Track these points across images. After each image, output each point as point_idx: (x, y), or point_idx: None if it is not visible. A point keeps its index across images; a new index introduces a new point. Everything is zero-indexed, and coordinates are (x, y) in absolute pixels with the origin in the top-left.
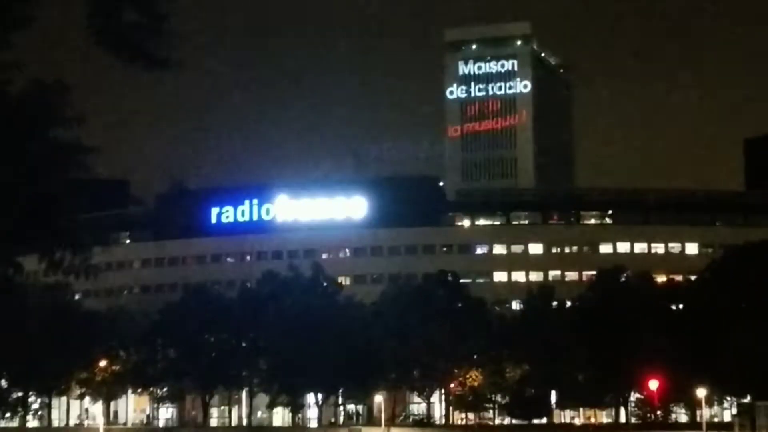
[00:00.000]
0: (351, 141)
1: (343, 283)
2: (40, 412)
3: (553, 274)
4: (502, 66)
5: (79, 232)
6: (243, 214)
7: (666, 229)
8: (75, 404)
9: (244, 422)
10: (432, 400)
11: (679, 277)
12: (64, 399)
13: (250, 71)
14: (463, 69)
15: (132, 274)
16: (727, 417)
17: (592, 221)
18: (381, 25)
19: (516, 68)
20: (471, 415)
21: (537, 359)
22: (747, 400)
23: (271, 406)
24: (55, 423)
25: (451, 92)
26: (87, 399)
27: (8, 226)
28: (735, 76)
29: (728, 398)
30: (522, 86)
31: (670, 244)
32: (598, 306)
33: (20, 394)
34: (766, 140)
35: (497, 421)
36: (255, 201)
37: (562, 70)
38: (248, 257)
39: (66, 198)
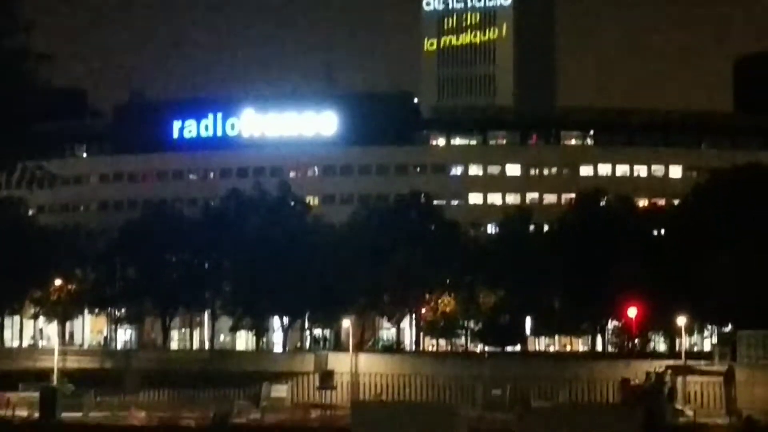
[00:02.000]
0: (322, 54)
1: (312, 203)
2: None
3: (531, 196)
4: None
5: (34, 142)
6: (207, 129)
7: (649, 152)
8: (29, 324)
9: (206, 345)
10: (402, 325)
11: (661, 202)
12: (17, 318)
13: None
14: None
15: (89, 190)
16: (707, 346)
17: (573, 142)
18: None
19: None
20: (442, 342)
21: (512, 285)
22: (728, 329)
23: (234, 330)
24: (8, 344)
25: (428, 3)
26: (41, 319)
27: None
28: None
29: (708, 327)
30: None
31: (653, 167)
32: (576, 230)
33: None
34: (756, 60)
35: (469, 348)
36: (219, 115)
37: None
38: (212, 174)
39: (18, 107)
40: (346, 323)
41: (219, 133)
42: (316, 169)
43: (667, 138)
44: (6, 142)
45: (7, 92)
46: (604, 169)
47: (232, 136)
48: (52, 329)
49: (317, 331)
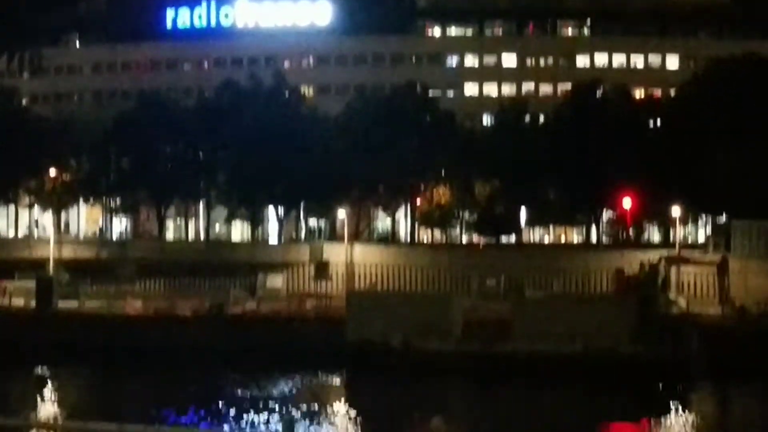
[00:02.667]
0: None
1: (306, 93)
2: None
3: (527, 87)
4: None
5: (28, 30)
6: (200, 18)
7: (646, 41)
8: (24, 214)
9: (202, 236)
10: (397, 216)
11: (658, 92)
12: (12, 208)
13: None
14: None
15: (83, 80)
16: (701, 237)
17: (570, 32)
18: None
19: None
20: (438, 233)
21: (508, 176)
22: (723, 219)
23: (229, 220)
24: (4, 233)
25: None
26: (37, 209)
27: None
28: None
29: (703, 217)
30: None
31: (650, 57)
32: (572, 121)
33: None
34: None
35: (464, 239)
36: (213, 3)
37: None
38: (206, 64)
39: None
40: (342, 214)
41: (213, 23)
42: (311, 59)
43: (665, 27)
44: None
45: None
46: (601, 59)
47: (226, 26)
48: (47, 219)
49: (312, 222)
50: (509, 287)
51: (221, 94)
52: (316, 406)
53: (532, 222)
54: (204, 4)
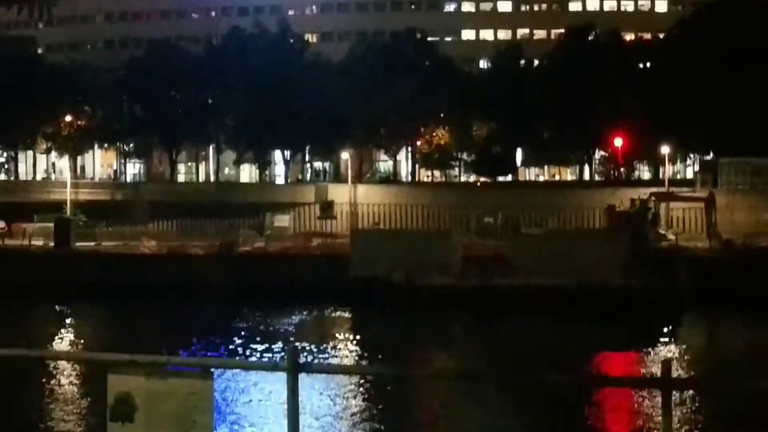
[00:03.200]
0: None
1: (310, 40)
2: (6, 166)
3: (522, 32)
4: None
5: None
6: None
7: None
8: (42, 159)
9: (212, 178)
10: (398, 158)
11: (648, 35)
12: (30, 153)
13: None
14: None
15: (95, 28)
16: (689, 174)
17: None
18: None
19: None
20: (437, 173)
21: (504, 118)
22: (710, 157)
23: (237, 163)
24: (23, 177)
25: None
26: (54, 154)
27: None
28: None
29: (691, 156)
30: None
31: (640, 2)
32: (565, 65)
33: None
34: None
35: (462, 179)
36: None
37: None
38: (213, 13)
39: None
40: (345, 156)
41: None
42: (313, 7)
43: None
44: None
45: None
46: (592, 3)
47: None
48: (64, 163)
49: (317, 164)
50: (506, 224)
51: (228, 42)
52: (321, 339)
53: (527, 162)
54: None
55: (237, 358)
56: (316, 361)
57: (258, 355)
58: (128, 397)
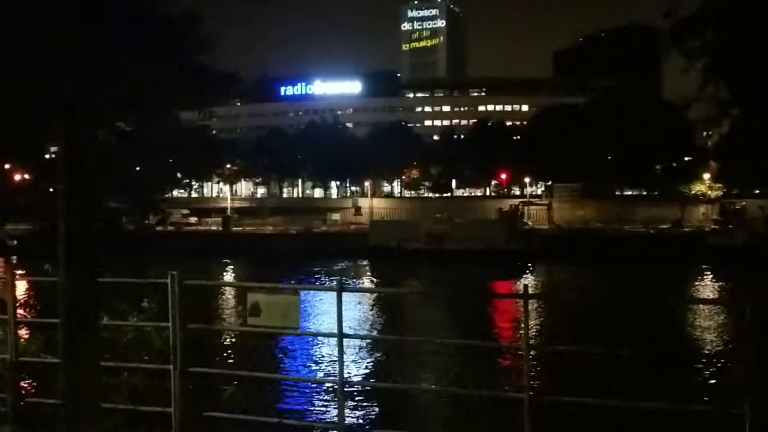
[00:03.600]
0: (345, 46)
1: (348, 125)
2: (196, 188)
3: (455, 121)
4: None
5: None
6: (297, 89)
7: (511, 99)
8: (216, 186)
9: (300, 195)
10: (394, 184)
11: (518, 123)
12: (209, 184)
13: None
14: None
15: (242, 120)
16: (539, 191)
17: (474, 93)
18: None
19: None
20: (413, 192)
21: (446, 164)
22: (549, 183)
23: (313, 187)
24: (207, 194)
25: (403, 25)
26: (221, 183)
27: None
28: None
29: (540, 182)
30: None
31: (515, 105)
32: (476, 139)
33: (187, 180)
34: None
35: (426, 195)
36: (303, 83)
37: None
38: (300, 112)
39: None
40: (366, 183)
41: (303, 92)
42: (350, 109)
43: (518, 88)
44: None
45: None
46: (490, 106)
47: (310, 93)
48: (226, 188)
49: (353, 187)
50: (447, 217)
51: (308, 127)
52: (355, 275)
53: (458, 186)
54: (299, 84)
55: (310, 283)
56: (352, 285)
57: (321, 281)
58: (257, 304)
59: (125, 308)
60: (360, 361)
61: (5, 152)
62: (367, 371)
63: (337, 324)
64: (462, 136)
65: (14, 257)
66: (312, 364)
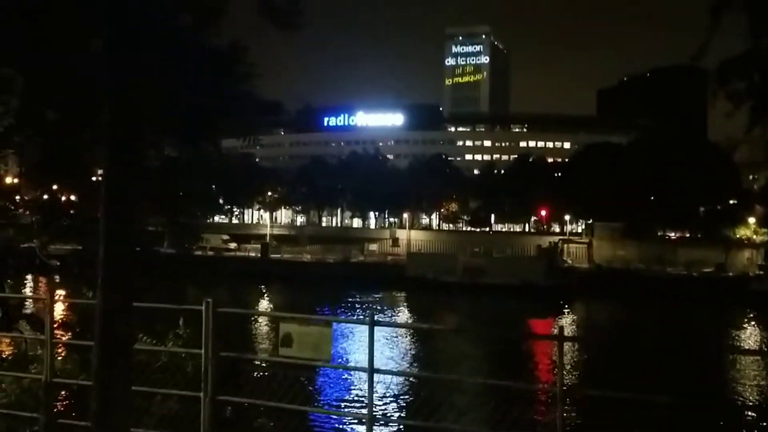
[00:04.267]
0: (390, 80)
1: (390, 157)
2: (237, 214)
3: (495, 156)
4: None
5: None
6: (340, 120)
7: (551, 136)
8: (256, 213)
9: (339, 224)
10: (432, 217)
11: (558, 159)
12: (250, 210)
13: None
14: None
15: (284, 149)
16: (580, 229)
17: (517, 129)
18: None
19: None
20: (451, 225)
21: (484, 197)
22: (590, 221)
23: (351, 217)
24: (247, 221)
25: (447, 61)
26: (261, 210)
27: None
28: None
29: (581, 220)
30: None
31: (556, 143)
32: (517, 174)
33: (228, 206)
34: None
35: (464, 228)
36: (346, 114)
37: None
38: (342, 143)
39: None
40: (405, 215)
41: (346, 123)
42: (392, 141)
43: (562, 124)
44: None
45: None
46: (531, 143)
47: (352, 125)
48: (266, 215)
49: (391, 219)
50: (485, 251)
51: (348, 157)
52: (390, 307)
53: (496, 220)
54: (342, 115)
55: (343, 315)
56: (386, 319)
57: (355, 314)
58: (289, 334)
59: (162, 329)
60: (391, 395)
61: (53, 174)
62: (397, 406)
63: (368, 358)
64: (502, 171)
65: (56, 277)
66: (344, 397)
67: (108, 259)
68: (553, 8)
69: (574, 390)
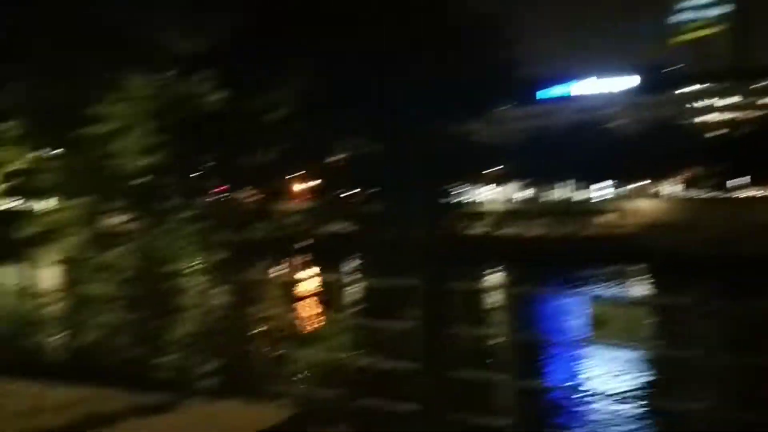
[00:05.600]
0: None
1: (618, 122)
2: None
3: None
4: None
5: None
6: (556, 92)
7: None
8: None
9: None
10: (670, 185)
11: None
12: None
13: None
14: None
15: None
16: None
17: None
18: None
19: None
20: (694, 191)
21: None
22: None
23: (579, 189)
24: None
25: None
26: (488, 186)
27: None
28: None
29: None
30: None
31: None
32: None
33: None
34: None
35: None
36: (563, 85)
37: None
38: (559, 113)
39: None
40: (639, 183)
41: (563, 93)
42: (620, 106)
43: None
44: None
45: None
46: None
47: (568, 95)
48: (494, 190)
49: (626, 186)
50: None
51: (567, 129)
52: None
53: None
54: (566, 83)
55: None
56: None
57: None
58: (602, 315)
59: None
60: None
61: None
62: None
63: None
64: (750, 131)
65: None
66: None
67: (429, 239)
68: None
69: None
